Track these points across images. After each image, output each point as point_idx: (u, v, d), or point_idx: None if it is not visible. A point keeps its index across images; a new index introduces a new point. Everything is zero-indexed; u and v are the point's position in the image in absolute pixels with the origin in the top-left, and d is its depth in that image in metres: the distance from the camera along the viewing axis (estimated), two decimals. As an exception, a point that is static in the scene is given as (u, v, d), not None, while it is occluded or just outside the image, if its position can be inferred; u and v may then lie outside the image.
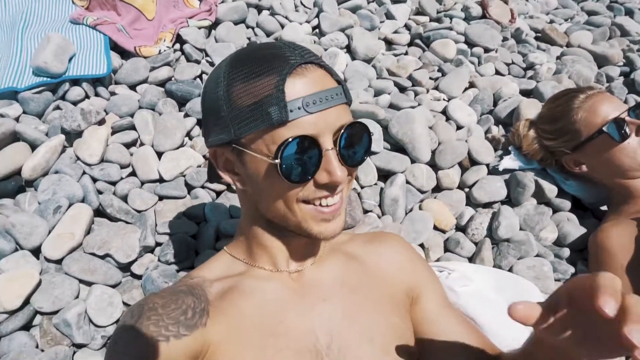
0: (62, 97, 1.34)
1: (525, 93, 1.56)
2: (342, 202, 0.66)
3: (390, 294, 0.74)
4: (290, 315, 0.67)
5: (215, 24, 1.71)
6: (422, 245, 1.18)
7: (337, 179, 0.60)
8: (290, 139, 0.57)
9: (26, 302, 0.93)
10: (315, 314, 0.68)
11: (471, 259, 1.16)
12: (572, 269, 1.12)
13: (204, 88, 0.70)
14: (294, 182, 0.59)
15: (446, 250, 1.19)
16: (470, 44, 1.77)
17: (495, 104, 1.52)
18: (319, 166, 0.60)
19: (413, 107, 1.39)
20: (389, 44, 1.78)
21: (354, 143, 0.64)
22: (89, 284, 1.00)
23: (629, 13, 2.16)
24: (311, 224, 0.64)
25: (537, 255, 1.14)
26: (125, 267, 1.05)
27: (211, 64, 1.55)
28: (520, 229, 1.19)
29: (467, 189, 1.30)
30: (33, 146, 1.19)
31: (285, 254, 0.72)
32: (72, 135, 1.24)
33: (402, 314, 0.72)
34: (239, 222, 0.78)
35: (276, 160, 0.57)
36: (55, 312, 0.94)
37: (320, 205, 0.64)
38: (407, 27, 1.87)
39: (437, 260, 1.17)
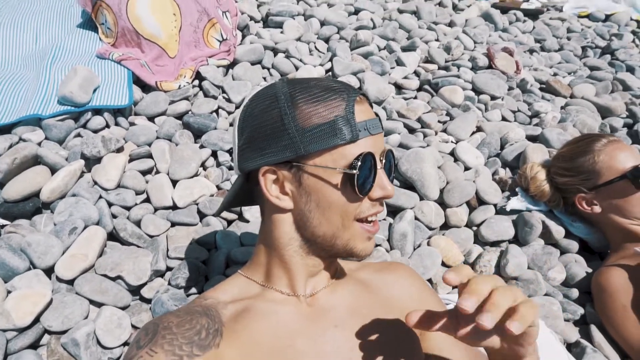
0: (84, 126, 1.39)
1: (531, 139, 1.60)
2: (379, 224, 0.74)
3: (401, 322, 0.74)
4: (302, 340, 0.66)
5: (233, 63, 1.79)
6: (430, 280, 1.18)
7: (389, 192, 0.69)
8: (365, 153, 0.65)
9: (36, 320, 0.93)
10: (326, 339, 0.67)
11: (480, 297, 1.15)
12: (581, 310, 1.11)
13: (249, 109, 0.70)
14: (361, 194, 0.66)
15: (454, 286, 1.18)
16: (477, 91, 1.84)
17: (502, 147, 1.56)
18: (374, 183, 0.67)
19: (422, 147, 1.43)
20: (399, 88, 1.85)
21: (390, 166, 0.73)
22: (99, 305, 1.00)
23: (630, 70, 2.25)
24: (357, 242, 0.70)
25: (546, 294, 1.14)
26: (135, 290, 1.06)
27: (228, 100, 1.62)
28: (528, 267, 1.19)
29: (474, 228, 1.31)
30: (53, 170, 1.23)
31: (304, 276, 0.73)
32: (91, 162, 1.28)
33: (414, 341, 0.72)
34: (259, 246, 0.77)
35: (353, 171, 0.64)
36: (64, 332, 0.94)
37: (368, 223, 0.70)
38: (417, 73, 1.95)
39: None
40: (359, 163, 0.64)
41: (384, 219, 1.29)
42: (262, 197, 0.71)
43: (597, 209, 1.22)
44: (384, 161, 0.70)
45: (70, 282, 1.03)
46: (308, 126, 0.64)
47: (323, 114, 0.65)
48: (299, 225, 0.71)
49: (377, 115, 0.71)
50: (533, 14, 2.80)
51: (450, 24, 2.45)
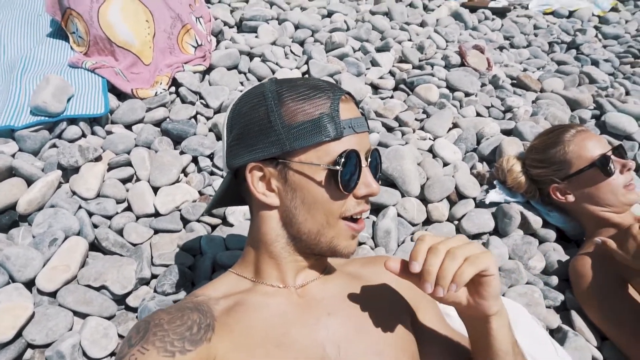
0: (59, 136, 1.36)
1: (506, 132, 1.64)
2: (364, 222, 0.75)
3: (392, 309, 0.75)
4: (295, 328, 0.67)
5: (210, 69, 1.78)
6: (415, 276, 1.20)
7: (373, 190, 0.70)
8: (349, 150, 0.66)
9: (18, 334, 0.91)
10: (320, 327, 0.68)
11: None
12: (561, 296, 1.15)
13: (236, 109, 0.73)
14: (346, 191, 0.67)
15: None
16: (452, 88, 1.87)
17: (478, 142, 1.60)
18: (359, 181, 0.68)
19: (402, 145, 1.45)
20: (375, 88, 1.88)
21: (375, 165, 0.74)
22: (83, 316, 0.98)
23: (595, 63, 2.33)
24: (341, 240, 0.71)
25: (527, 283, 1.17)
26: (120, 300, 1.04)
27: (205, 105, 1.61)
28: (509, 258, 1.23)
29: (456, 222, 1.34)
30: (29, 181, 1.20)
31: (294, 271, 0.74)
32: (68, 172, 1.26)
33: (405, 328, 0.74)
34: (248, 242, 0.78)
35: (337, 167, 0.65)
36: (48, 345, 0.92)
37: (353, 221, 0.71)
38: (392, 73, 1.98)
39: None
40: (343, 160, 0.65)
41: (368, 217, 1.30)
42: (250, 195, 0.72)
43: (571, 198, 1.26)
44: (369, 159, 0.71)
45: (53, 294, 1.00)
46: (294, 123, 0.66)
47: (308, 111, 0.66)
48: (285, 222, 0.72)
49: (363, 114, 0.73)
50: (501, 13, 2.87)
51: (422, 24, 2.50)
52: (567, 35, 2.70)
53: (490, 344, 0.64)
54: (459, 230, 1.32)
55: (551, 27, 2.78)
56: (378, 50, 2.09)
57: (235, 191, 0.79)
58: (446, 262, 0.57)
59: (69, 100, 1.42)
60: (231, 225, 1.23)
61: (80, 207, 1.18)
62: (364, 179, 0.69)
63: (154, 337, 0.58)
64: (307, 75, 1.85)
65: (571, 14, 2.99)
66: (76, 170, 1.25)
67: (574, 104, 1.88)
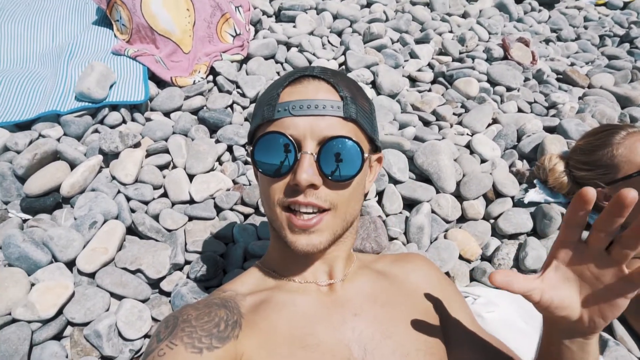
0: (101, 122, 1.41)
1: (549, 130, 1.58)
2: (320, 221, 0.66)
3: (421, 310, 0.74)
4: (321, 328, 0.67)
5: (247, 58, 1.79)
6: (447, 274, 1.18)
7: (297, 179, 0.62)
8: (267, 131, 0.65)
9: (59, 312, 0.95)
10: (347, 327, 0.68)
11: (497, 288, 1.15)
12: (602, 303, 1.10)
13: None
14: (264, 174, 0.66)
15: (472, 279, 1.18)
16: (493, 82, 1.81)
17: (519, 139, 1.54)
18: (294, 167, 0.64)
19: (438, 140, 1.41)
20: (413, 81, 1.84)
21: (340, 158, 0.64)
22: (119, 297, 1.02)
23: (650, 58, 2.20)
24: (287, 232, 0.67)
25: (566, 288, 1.13)
26: (154, 284, 1.07)
27: (242, 94, 1.62)
28: (548, 260, 1.18)
29: (492, 220, 1.30)
30: (72, 165, 1.25)
31: (312, 265, 0.74)
32: (109, 157, 1.30)
33: (434, 330, 0.72)
34: (271, 237, 0.79)
35: (249, 147, 0.63)
36: (86, 324, 0.96)
37: (298, 213, 0.66)
38: (431, 65, 1.93)
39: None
40: (257, 138, 0.65)
41: (400, 212, 1.28)
42: None
43: None
44: (321, 148, 0.63)
45: (91, 275, 1.04)
46: (256, 108, 0.73)
47: (264, 98, 0.70)
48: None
49: (343, 99, 0.65)
50: (549, 3, 2.75)
51: (464, 15, 2.43)
52: (620, 27, 2.56)
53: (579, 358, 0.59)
54: (494, 229, 1.28)
55: (603, 19, 2.64)
56: (417, 41, 2.05)
57: None
58: None
59: (111, 87, 1.47)
60: (263, 215, 1.24)
61: (119, 191, 1.21)
62: (296, 167, 0.63)
63: (182, 333, 0.59)
64: (343, 67, 1.84)
65: (626, 5, 2.83)
66: (116, 155, 1.28)
67: (624, 101, 1.78)
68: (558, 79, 1.97)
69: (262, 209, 1.23)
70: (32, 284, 0.99)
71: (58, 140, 1.33)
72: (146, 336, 0.98)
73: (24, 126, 1.36)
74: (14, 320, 0.93)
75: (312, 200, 0.64)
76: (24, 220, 1.16)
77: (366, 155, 0.68)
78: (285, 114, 0.64)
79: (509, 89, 1.79)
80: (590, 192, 0.50)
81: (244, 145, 1.41)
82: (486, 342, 0.75)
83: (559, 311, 0.55)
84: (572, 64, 2.16)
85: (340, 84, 0.67)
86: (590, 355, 0.58)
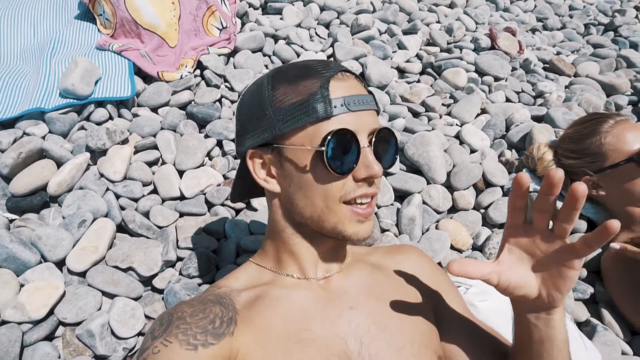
0: (87, 118, 1.38)
1: (537, 119, 1.59)
2: (373, 206, 0.70)
3: (415, 302, 0.74)
4: (317, 322, 0.67)
5: (234, 51, 1.77)
6: (439, 264, 1.19)
7: (374, 172, 0.64)
8: (335, 130, 0.62)
9: (50, 312, 0.94)
10: (343, 321, 0.68)
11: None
12: (591, 289, 1.12)
13: (242, 98, 0.75)
14: (337, 173, 0.63)
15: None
16: (481, 72, 1.82)
17: (507, 129, 1.56)
18: (357, 162, 0.64)
19: (428, 131, 1.42)
20: (402, 72, 1.84)
21: (385, 146, 0.69)
22: (111, 296, 1.01)
23: (634, 46, 2.23)
24: (347, 225, 0.67)
25: (556, 275, 1.14)
26: (146, 281, 1.06)
27: (230, 88, 1.61)
28: (538, 249, 1.20)
29: (482, 210, 1.31)
30: (59, 163, 1.23)
31: (313, 260, 0.73)
32: (96, 154, 1.28)
33: (429, 321, 0.73)
34: (266, 232, 0.79)
35: (322, 148, 0.62)
36: (78, 323, 0.95)
37: (358, 204, 0.67)
38: (419, 56, 1.93)
39: (456, 279, 1.17)
40: (329, 140, 0.62)
41: (392, 204, 1.29)
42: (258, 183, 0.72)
43: (603, 192, 1.21)
44: (373, 139, 0.66)
45: (82, 274, 1.03)
46: (284, 106, 0.65)
47: (298, 92, 0.65)
48: (287, 208, 0.71)
49: (370, 93, 0.70)
50: (534, -7, 2.76)
51: (451, 5, 2.42)
52: (604, 16, 2.58)
53: (549, 336, 0.62)
54: (485, 218, 1.29)
55: (588, 7, 2.66)
56: (405, 32, 2.05)
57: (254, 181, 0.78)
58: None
59: (96, 83, 1.44)
60: (255, 210, 1.24)
61: (107, 189, 1.20)
62: (363, 160, 0.65)
63: (176, 330, 0.59)
64: (332, 59, 1.83)
65: (609, -7, 2.85)
66: (104, 152, 1.26)
67: (610, 90, 1.81)
68: (545, 68, 1.98)
69: (255, 204, 1.23)
70: (22, 285, 0.98)
71: (43, 138, 1.30)
72: (139, 334, 0.97)
73: (7, 124, 1.33)
74: (3, 322, 0.92)
75: (376, 190, 0.69)
76: (11, 221, 1.14)
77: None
78: (342, 110, 0.64)
79: (496, 79, 1.80)
80: (524, 178, 0.56)
81: (233, 140, 1.40)
82: (479, 330, 0.76)
83: (518, 290, 0.60)
84: (558, 53, 2.17)
85: (362, 79, 0.72)
86: (556, 330, 0.61)
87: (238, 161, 1.37)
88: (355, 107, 0.65)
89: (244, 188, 0.85)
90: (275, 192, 0.71)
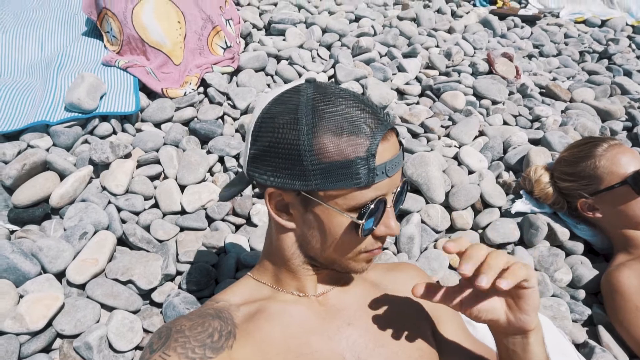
0: (91, 132, 1.40)
1: (534, 142, 1.62)
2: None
3: (413, 320, 0.75)
4: (316, 337, 0.67)
5: (238, 70, 1.81)
6: (437, 283, 1.19)
7: (393, 233, 0.66)
8: (375, 201, 0.61)
9: (49, 324, 0.94)
10: (341, 337, 0.68)
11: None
12: (588, 311, 1.12)
13: (269, 118, 0.64)
14: (364, 236, 0.64)
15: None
16: (479, 96, 1.85)
17: (505, 151, 1.58)
18: (380, 221, 0.65)
19: (427, 152, 1.44)
20: (401, 94, 1.87)
21: (400, 198, 0.69)
22: (110, 309, 1.01)
23: (628, 74, 2.27)
24: (357, 265, 0.70)
25: (553, 295, 1.15)
26: (146, 295, 1.06)
27: (233, 106, 1.63)
28: (535, 269, 1.21)
29: (480, 230, 1.32)
30: (62, 176, 1.24)
31: (314, 281, 0.74)
32: (99, 167, 1.29)
33: (426, 339, 0.73)
34: (266, 251, 0.78)
35: (360, 221, 0.62)
36: (76, 336, 0.94)
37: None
38: (418, 79, 1.97)
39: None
40: (368, 210, 0.61)
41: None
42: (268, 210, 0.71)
43: (599, 214, 1.23)
44: (394, 196, 0.66)
45: (82, 286, 1.03)
46: (324, 160, 0.59)
47: (343, 151, 0.59)
48: (301, 244, 0.70)
49: (401, 144, 0.66)
50: (530, 20, 2.83)
51: (450, 31, 2.48)
52: (599, 44, 2.65)
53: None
54: (483, 239, 1.30)
55: (582, 36, 2.73)
56: (405, 55, 2.09)
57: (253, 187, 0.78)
58: (492, 257, 0.55)
59: (101, 97, 1.46)
60: (255, 226, 1.24)
61: (109, 202, 1.21)
62: (385, 220, 0.65)
63: (175, 344, 0.59)
64: (333, 80, 1.86)
65: (604, 23, 2.93)
66: (107, 166, 1.28)
67: (605, 115, 1.84)
68: (541, 93, 2.02)
69: (255, 220, 1.24)
70: (21, 296, 0.97)
71: (47, 150, 1.32)
72: (137, 348, 0.97)
73: (12, 137, 1.35)
74: (1, 333, 0.91)
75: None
76: (12, 232, 1.15)
77: None
78: (383, 178, 0.61)
79: (494, 102, 1.84)
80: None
81: (235, 156, 1.41)
82: (476, 350, 0.77)
83: (485, 315, 0.61)
84: (554, 79, 2.22)
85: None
86: (533, 355, 0.62)
87: (239, 177, 1.38)
88: (392, 172, 0.62)
89: (237, 192, 0.82)
90: (289, 228, 0.69)
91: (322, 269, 0.74)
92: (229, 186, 0.81)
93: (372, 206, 0.61)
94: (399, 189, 0.66)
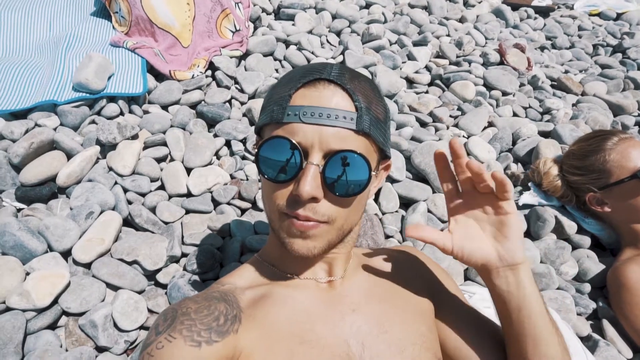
0: (98, 113, 1.40)
1: (544, 134, 1.60)
2: (317, 227, 0.64)
3: (416, 304, 0.75)
4: (320, 323, 0.67)
5: (246, 54, 1.79)
6: (442, 273, 1.19)
7: (298, 191, 0.60)
8: (274, 135, 0.62)
9: (55, 301, 0.94)
10: (345, 324, 0.68)
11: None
12: (593, 304, 1.12)
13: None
14: (266, 178, 0.64)
15: (466, 278, 1.19)
16: (489, 87, 1.83)
17: (514, 143, 1.57)
18: (296, 176, 0.62)
19: (435, 141, 1.43)
20: (410, 82, 1.85)
21: (345, 173, 0.62)
22: (115, 288, 1.01)
23: (641, 68, 2.24)
24: (285, 235, 0.65)
25: (559, 288, 1.14)
26: (151, 275, 1.06)
27: (240, 90, 1.62)
28: (541, 261, 1.20)
29: (487, 222, 1.31)
30: (69, 155, 1.24)
31: (309, 264, 0.74)
32: (106, 148, 1.29)
33: (428, 323, 0.73)
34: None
35: (255, 150, 0.62)
36: (82, 314, 0.95)
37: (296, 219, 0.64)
38: (428, 68, 1.95)
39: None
40: (262, 141, 0.63)
41: (396, 211, 1.29)
42: None
43: (608, 208, 1.21)
44: (328, 161, 0.61)
45: (87, 265, 1.04)
46: (266, 102, 0.69)
47: (277, 93, 0.66)
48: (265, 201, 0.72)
49: (358, 110, 0.62)
50: (544, 12, 2.79)
51: (462, 20, 2.45)
52: (613, 38, 2.60)
53: (523, 300, 0.64)
54: (489, 230, 1.29)
55: (597, 29, 2.68)
56: (415, 44, 2.06)
57: None
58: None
59: (109, 78, 1.46)
60: (261, 210, 1.24)
61: (116, 182, 1.21)
62: (301, 177, 0.61)
63: (181, 326, 0.58)
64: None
65: (619, 16, 2.88)
66: (114, 147, 1.28)
67: (617, 109, 1.82)
68: (552, 86, 2.00)
69: (260, 205, 1.24)
70: (27, 273, 0.98)
71: (55, 130, 1.31)
72: (142, 327, 0.97)
73: (19, 115, 1.35)
74: (8, 309, 0.92)
75: (310, 215, 0.62)
76: (19, 210, 1.15)
77: (374, 172, 0.65)
78: (294, 119, 0.60)
79: (504, 94, 1.82)
80: (441, 154, 0.67)
81: (241, 140, 1.41)
82: (479, 319, 0.77)
83: (476, 255, 0.65)
84: (566, 72, 2.19)
85: (357, 91, 0.63)
86: (527, 291, 0.64)
87: (245, 162, 1.38)
88: (309, 119, 0.60)
89: None
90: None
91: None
92: None
93: (271, 140, 0.62)
94: (336, 154, 0.60)
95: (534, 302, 0.64)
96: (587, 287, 1.16)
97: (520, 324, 0.65)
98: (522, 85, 1.92)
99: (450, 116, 1.66)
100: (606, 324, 1.08)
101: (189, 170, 1.29)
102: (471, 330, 0.74)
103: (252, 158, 1.38)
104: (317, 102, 0.61)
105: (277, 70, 1.78)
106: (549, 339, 0.64)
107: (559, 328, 0.67)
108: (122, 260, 1.05)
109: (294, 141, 0.60)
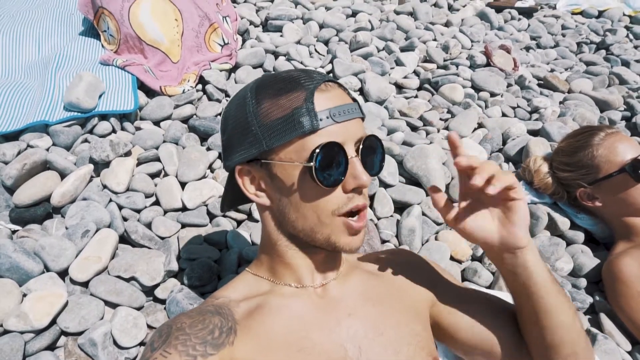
0: (90, 131, 1.40)
1: (533, 133, 1.62)
2: (366, 219, 0.70)
3: (410, 304, 0.76)
4: (316, 330, 0.67)
5: (236, 67, 1.81)
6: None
7: (362, 182, 0.64)
8: (323, 143, 0.61)
9: (53, 322, 0.94)
10: (342, 329, 0.68)
11: (489, 288, 1.17)
12: (590, 299, 1.13)
13: (226, 111, 0.73)
14: (326, 186, 0.63)
15: (464, 279, 1.20)
16: (477, 88, 1.86)
17: (504, 143, 1.58)
18: (346, 173, 0.64)
19: (427, 144, 1.44)
20: (400, 88, 1.87)
21: (371, 153, 0.68)
22: (114, 305, 1.01)
23: (625, 64, 2.28)
24: (340, 237, 0.67)
25: (555, 285, 1.15)
26: (149, 291, 1.06)
27: (232, 103, 1.63)
28: (536, 259, 1.21)
29: (481, 222, 1.33)
30: (62, 175, 1.24)
31: (308, 269, 0.73)
32: (99, 166, 1.29)
33: (423, 323, 0.74)
34: (260, 243, 0.79)
35: (311, 163, 0.61)
36: (81, 333, 0.95)
37: (352, 216, 0.67)
38: (416, 73, 1.97)
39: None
40: (317, 153, 0.61)
41: (391, 216, 1.30)
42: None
43: (598, 203, 1.23)
44: (360, 148, 0.66)
45: (85, 284, 1.03)
46: (269, 121, 0.64)
47: (283, 106, 0.63)
48: (279, 221, 0.71)
49: (355, 100, 0.69)
50: (527, 12, 2.83)
51: (447, 24, 2.48)
52: (596, 35, 2.65)
53: (531, 282, 0.65)
54: (484, 230, 1.30)
55: (580, 27, 2.73)
56: (402, 49, 2.09)
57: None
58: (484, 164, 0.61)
59: (100, 96, 1.46)
60: (257, 221, 1.25)
61: (110, 200, 1.21)
62: (352, 171, 0.64)
63: (176, 341, 0.59)
64: (331, 75, 1.86)
65: (601, 13, 2.93)
66: (107, 164, 1.28)
67: (603, 105, 1.84)
68: (539, 85, 2.02)
69: (255, 215, 1.24)
70: (24, 295, 0.98)
71: (47, 150, 1.32)
72: (142, 344, 0.97)
73: (11, 137, 1.35)
74: (5, 332, 0.92)
75: (365, 201, 0.68)
76: (14, 232, 1.15)
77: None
78: (329, 122, 0.62)
79: (492, 95, 1.84)
80: (453, 135, 0.64)
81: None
82: (485, 296, 0.79)
83: (479, 233, 0.65)
84: (552, 70, 2.22)
85: (345, 87, 0.70)
86: (535, 268, 0.64)
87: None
88: (341, 118, 0.64)
89: (234, 198, 0.86)
90: (266, 206, 0.71)
91: (311, 252, 0.72)
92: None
93: (324, 149, 0.61)
94: (364, 140, 0.66)
95: (540, 279, 0.64)
96: (583, 282, 1.17)
97: (527, 298, 0.66)
98: (509, 85, 1.95)
99: (441, 119, 1.67)
100: (604, 318, 1.09)
101: (183, 185, 1.29)
102: (481, 306, 0.76)
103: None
104: (339, 101, 0.65)
105: (267, 82, 1.79)
106: (558, 307, 0.65)
107: (567, 294, 0.68)
108: (119, 277, 1.05)
109: (338, 142, 0.63)
